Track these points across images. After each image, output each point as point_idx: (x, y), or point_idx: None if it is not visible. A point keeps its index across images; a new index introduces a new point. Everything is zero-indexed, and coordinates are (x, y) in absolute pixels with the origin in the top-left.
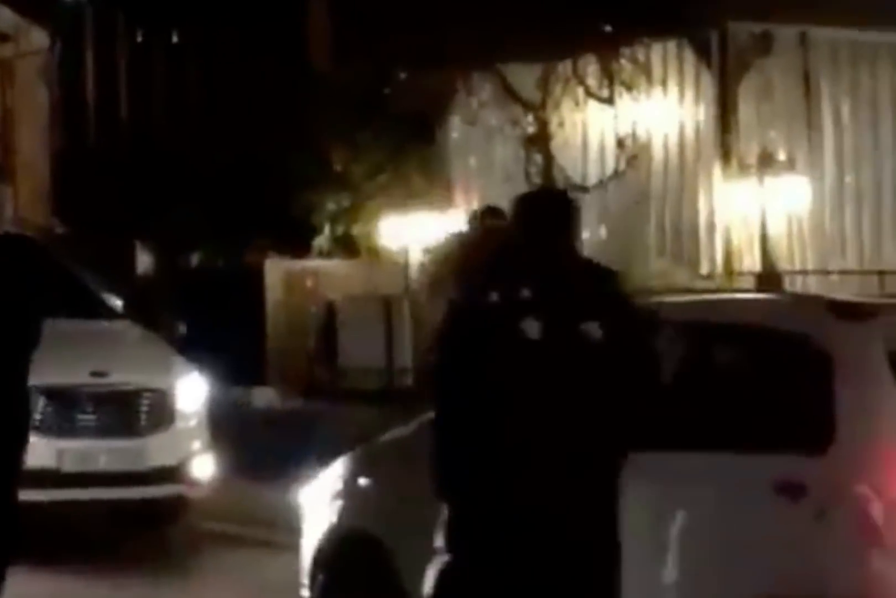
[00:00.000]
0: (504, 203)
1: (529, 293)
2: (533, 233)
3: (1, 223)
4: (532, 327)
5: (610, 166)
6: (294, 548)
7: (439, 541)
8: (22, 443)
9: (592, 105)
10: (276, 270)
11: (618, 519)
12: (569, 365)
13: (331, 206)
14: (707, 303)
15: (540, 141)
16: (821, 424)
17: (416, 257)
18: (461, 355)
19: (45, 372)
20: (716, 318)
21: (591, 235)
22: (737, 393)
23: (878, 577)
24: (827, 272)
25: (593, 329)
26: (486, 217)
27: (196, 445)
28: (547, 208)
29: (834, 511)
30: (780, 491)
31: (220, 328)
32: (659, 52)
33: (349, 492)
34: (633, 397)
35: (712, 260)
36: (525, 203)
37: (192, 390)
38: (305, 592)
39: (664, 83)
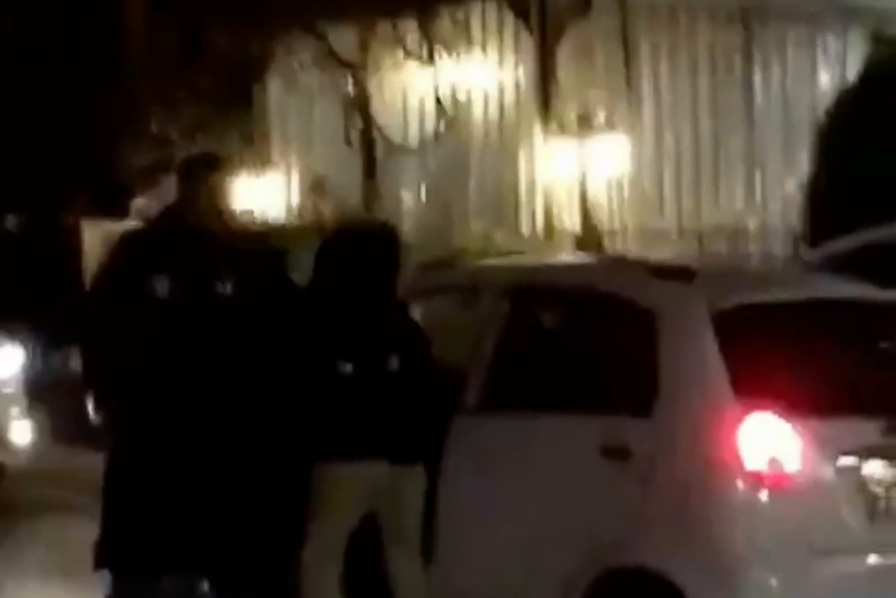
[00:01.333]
0: (323, 166)
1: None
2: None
3: None
4: (162, 285)
5: (430, 128)
6: None
7: None
8: None
9: (412, 66)
10: (93, 231)
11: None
12: (195, 320)
13: (145, 164)
14: (531, 267)
15: (360, 103)
16: (645, 386)
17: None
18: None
19: None
20: (541, 282)
21: (412, 197)
22: (564, 356)
23: (699, 541)
24: (646, 233)
25: (225, 287)
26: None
27: (14, 411)
28: (193, 173)
29: (657, 475)
30: (607, 454)
31: (39, 293)
32: (478, 13)
33: None
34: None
35: (532, 221)
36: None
37: (7, 358)
38: None
39: (484, 44)
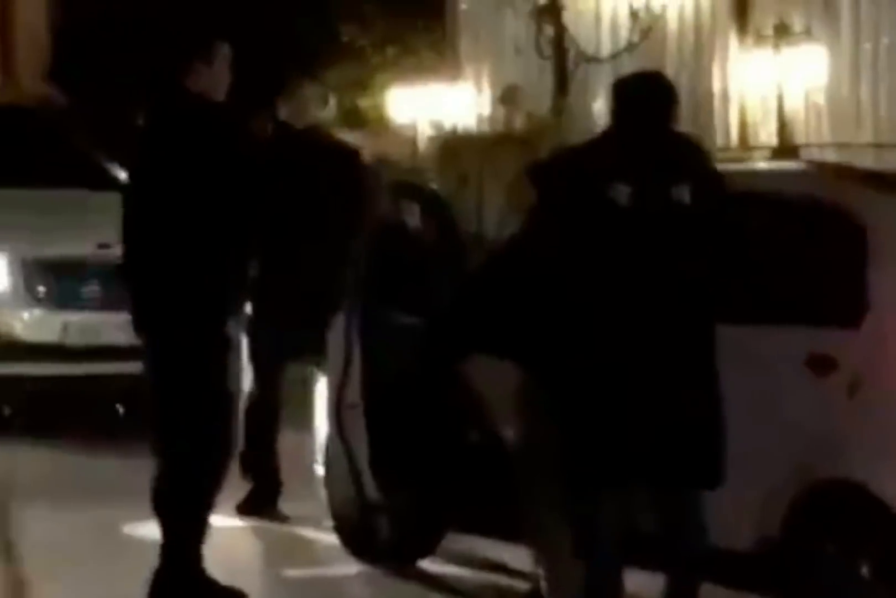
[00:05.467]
0: (514, 76)
1: (618, 162)
2: (627, 118)
3: None
4: (621, 193)
5: (623, 38)
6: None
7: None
8: None
9: None
10: None
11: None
12: (658, 229)
13: (338, 78)
14: (739, 173)
15: (551, 12)
16: (854, 297)
17: (425, 130)
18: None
19: (51, 244)
20: (748, 187)
21: (604, 108)
22: (769, 266)
23: None
24: (845, 145)
25: (684, 194)
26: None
27: None
28: (642, 93)
29: (866, 386)
30: (812, 365)
31: None
32: None
33: None
34: (719, 265)
35: (727, 133)
36: (620, 89)
37: None
38: (320, 468)
39: None
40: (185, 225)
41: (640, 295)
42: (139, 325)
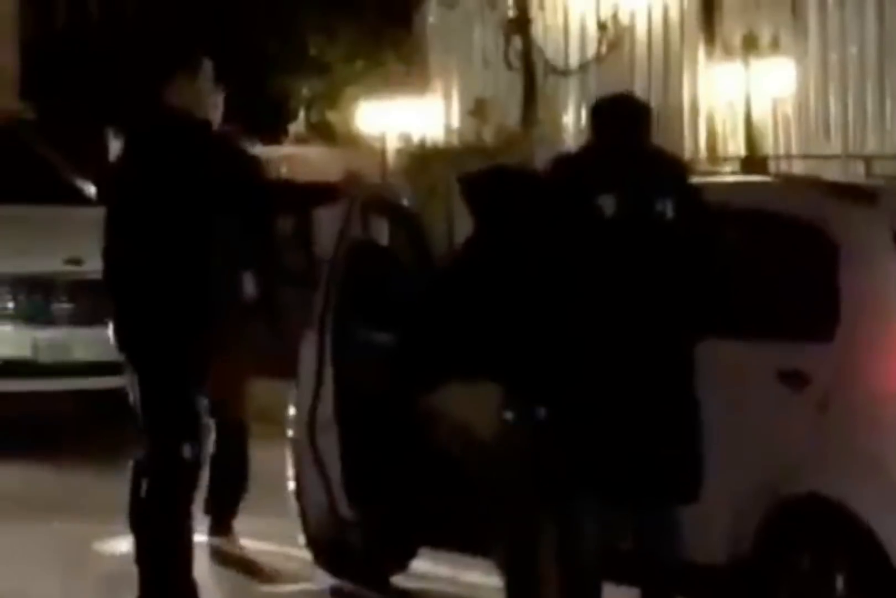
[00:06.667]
0: (482, 88)
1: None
2: (610, 133)
3: None
4: (608, 204)
5: (591, 50)
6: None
7: None
8: None
9: None
10: None
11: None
12: (643, 240)
13: (306, 91)
14: (710, 186)
15: (520, 25)
16: (825, 311)
17: (393, 143)
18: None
19: (20, 260)
20: (719, 201)
21: (573, 120)
22: (738, 279)
23: (878, 468)
24: (813, 157)
25: (667, 207)
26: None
27: None
28: (621, 114)
29: (838, 400)
30: (785, 380)
31: None
32: None
33: None
34: (695, 278)
35: (696, 144)
36: (600, 110)
37: None
38: (291, 484)
39: None
40: (170, 243)
41: (623, 307)
42: (121, 343)
